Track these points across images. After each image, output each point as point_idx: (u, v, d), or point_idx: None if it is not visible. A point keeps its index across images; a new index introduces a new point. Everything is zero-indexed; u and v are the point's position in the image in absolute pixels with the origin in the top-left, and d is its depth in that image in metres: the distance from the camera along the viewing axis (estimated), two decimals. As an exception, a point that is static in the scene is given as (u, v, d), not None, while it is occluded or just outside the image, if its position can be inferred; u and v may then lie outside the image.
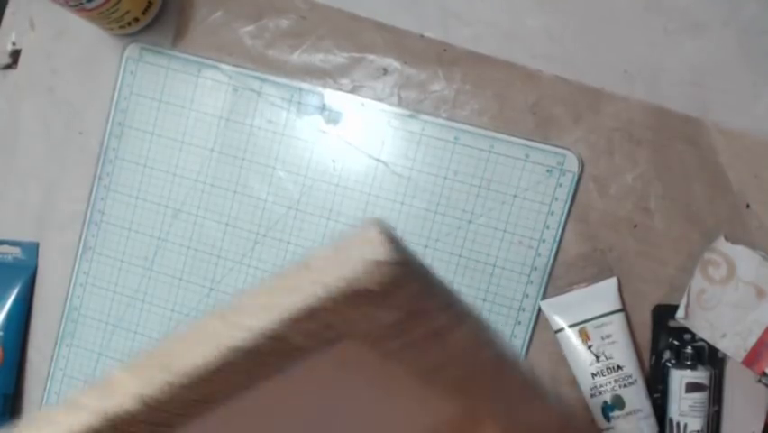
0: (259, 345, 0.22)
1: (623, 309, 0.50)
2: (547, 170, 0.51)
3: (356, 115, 0.54)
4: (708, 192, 0.50)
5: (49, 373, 0.58)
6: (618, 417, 0.48)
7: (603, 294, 0.50)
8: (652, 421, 0.49)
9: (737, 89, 0.50)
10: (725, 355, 0.49)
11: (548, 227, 0.51)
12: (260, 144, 0.55)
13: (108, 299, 0.57)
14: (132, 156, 0.56)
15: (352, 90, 0.54)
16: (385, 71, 0.53)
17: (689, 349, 0.49)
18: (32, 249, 0.58)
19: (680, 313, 0.49)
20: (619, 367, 0.49)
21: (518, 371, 0.30)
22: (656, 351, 0.50)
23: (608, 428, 0.49)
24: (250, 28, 0.55)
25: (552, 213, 0.51)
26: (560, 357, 0.51)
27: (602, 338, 0.49)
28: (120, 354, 0.57)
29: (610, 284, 0.50)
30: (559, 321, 0.50)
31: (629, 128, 0.50)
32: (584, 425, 0.50)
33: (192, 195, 0.56)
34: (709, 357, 0.50)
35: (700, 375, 0.48)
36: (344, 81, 0.54)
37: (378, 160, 0.53)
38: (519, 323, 0.52)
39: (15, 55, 0.58)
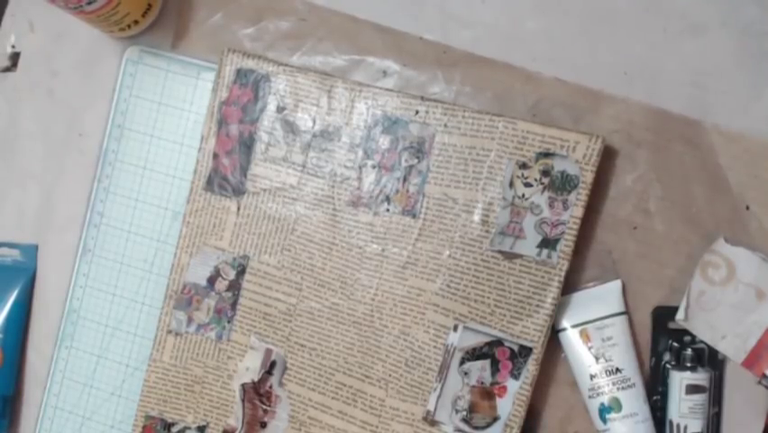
0: None
1: (626, 312, 0.50)
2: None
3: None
4: (707, 194, 0.50)
5: (48, 374, 0.58)
6: (615, 419, 0.48)
7: (606, 296, 0.50)
8: (649, 425, 0.48)
9: (737, 90, 0.50)
10: (725, 357, 0.49)
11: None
12: (259, 146, 0.55)
13: (108, 301, 0.57)
14: (131, 158, 0.56)
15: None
16: (384, 73, 0.53)
17: (689, 351, 0.49)
18: (32, 251, 0.58)
19: (679, 315, 0.48)
20: (618, 370, 0.49)
21: None
22: (656, 353, 0.50)
23: (604, 430, 0.49)
24: (249, 30, 0.55)
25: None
26: (561, 357, 0.51)
27: (603, 340, 0.49)
28: (119, 357, 0.57)
29: (614, 286, 0.50)
30: (561, 321, 0.50)
31: (629, 130, 0.50)
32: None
33: (192, 197, 0.56)
34: (709, 359, 0.50)
35: (700, 377, 0.48)
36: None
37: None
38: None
39: (15, 57, 0.58)
